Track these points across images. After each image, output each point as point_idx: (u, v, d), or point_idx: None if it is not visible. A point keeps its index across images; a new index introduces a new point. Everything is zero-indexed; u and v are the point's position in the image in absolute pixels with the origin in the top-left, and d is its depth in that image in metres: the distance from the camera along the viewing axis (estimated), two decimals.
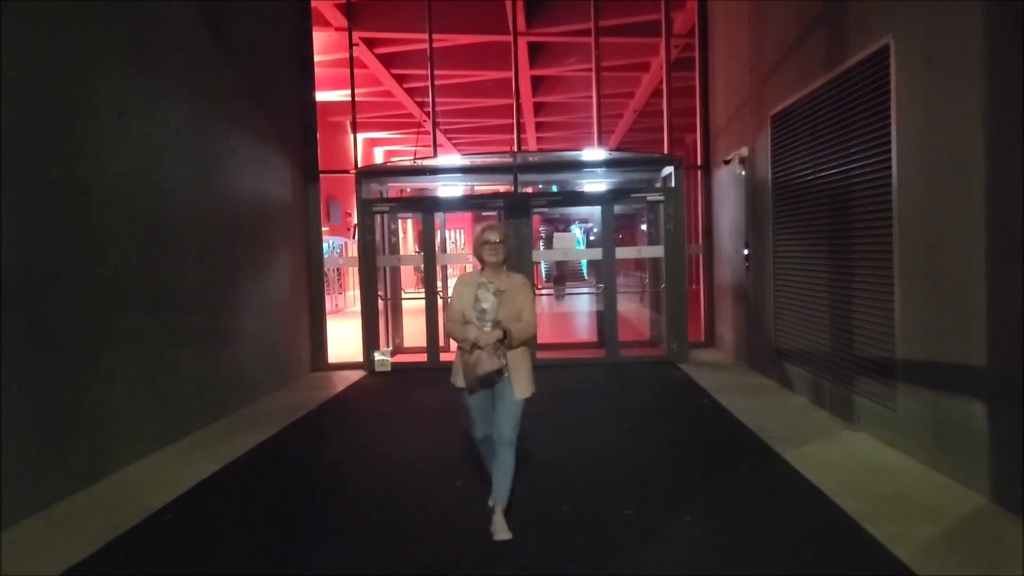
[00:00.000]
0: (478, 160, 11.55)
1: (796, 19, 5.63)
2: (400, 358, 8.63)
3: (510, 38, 9.17)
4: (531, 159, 11.74)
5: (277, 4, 7.48)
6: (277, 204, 7.21)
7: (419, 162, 9.68)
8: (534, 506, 3.52)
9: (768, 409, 5.46)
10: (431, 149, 9.39)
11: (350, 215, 16.16)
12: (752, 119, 6.84)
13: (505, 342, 3.10)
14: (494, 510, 3.20)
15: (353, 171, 8.33)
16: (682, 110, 9.15)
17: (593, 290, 11.00)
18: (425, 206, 8.72)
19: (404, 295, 9.97)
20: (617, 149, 16.80)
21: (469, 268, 10.38)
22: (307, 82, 8.06)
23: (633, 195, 8.57)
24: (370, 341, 8.04)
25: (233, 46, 6.17)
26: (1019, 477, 3.14)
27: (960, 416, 3.61)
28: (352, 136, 9.43)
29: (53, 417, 3.82)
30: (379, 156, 20.38)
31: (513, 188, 8.52)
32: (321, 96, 8.89)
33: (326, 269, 8.98)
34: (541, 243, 12.96)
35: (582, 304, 15.53)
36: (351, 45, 8.77)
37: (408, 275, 13.27)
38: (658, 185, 8.44)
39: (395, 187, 9.80)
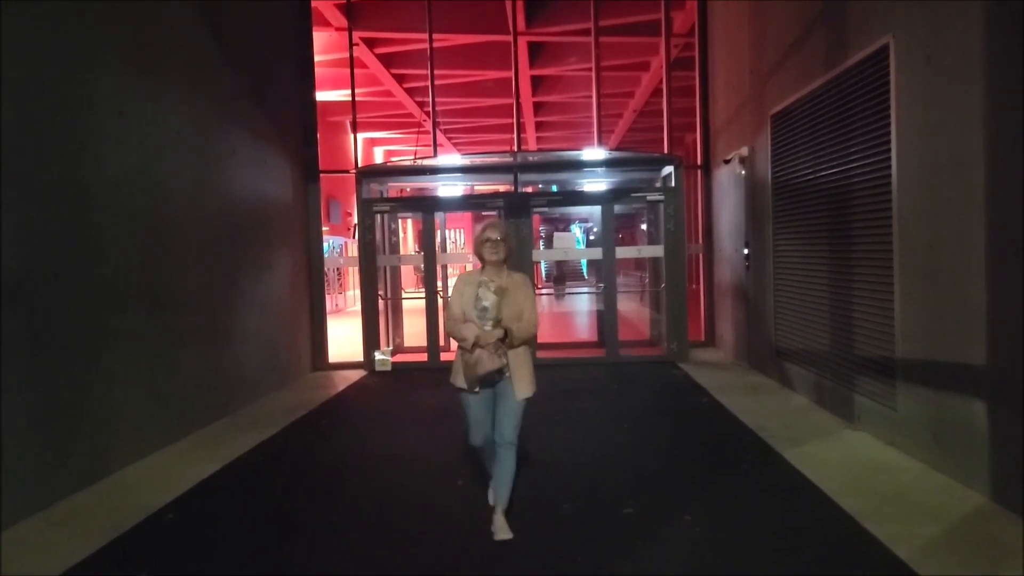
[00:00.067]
0: (478, 160, 11.55)
1: (796, 19, 5.63)
2: (400, 358, 8.64)
3: (510, 38, 9.18)
4: (531, 159, 11.73)
5: (277, 4, 7.48)
6: (277, 204, 7.21)
7: (419, 162, 9.67)
8: (534, 505, 3.52)
9: (768, 408, 5.47)
10: (431, 149, 9.39)
11: (350, 215, 16.16)
12: (752, 119, 6.84)
13: (506, 341, 3.08)
14: (495, 510, 3.20)
15: (353, 171, 8.33)
16: (682, 110, 9.14)
17: (593, 290, 11.01)
18: (425, 206, 8.73)
19: (404, 295, 9.97)
20: (617, 149, 16.78)
21: (469, 267, 10.38)
22: (307, 82, 8.07)
23: (633, 195, 8.58)
24: (370, 341, 8.04)
25: (233, 46, 6.17)
26: (1019, 477, 3.14)
27: (960, 415, 3.61)
28: (352, 136, 9.42)
29: (53, 417, 3.82)
30: (379, 156, 20.38)
31: (513, 188, 8.52)
32: (321, 96, 8.89)
33: (326, 269, 8.98)
34: (541, 243, 12.96)
35: (582, 304, 15.54)
36: (351, 45, 8.77)
37: (408, 275, 13.28)
38: (658, 185, 8.43)
39: (395, 187, 9.79)
